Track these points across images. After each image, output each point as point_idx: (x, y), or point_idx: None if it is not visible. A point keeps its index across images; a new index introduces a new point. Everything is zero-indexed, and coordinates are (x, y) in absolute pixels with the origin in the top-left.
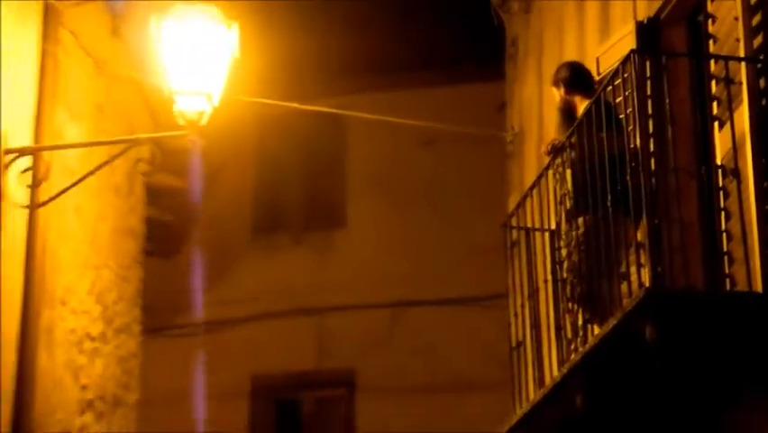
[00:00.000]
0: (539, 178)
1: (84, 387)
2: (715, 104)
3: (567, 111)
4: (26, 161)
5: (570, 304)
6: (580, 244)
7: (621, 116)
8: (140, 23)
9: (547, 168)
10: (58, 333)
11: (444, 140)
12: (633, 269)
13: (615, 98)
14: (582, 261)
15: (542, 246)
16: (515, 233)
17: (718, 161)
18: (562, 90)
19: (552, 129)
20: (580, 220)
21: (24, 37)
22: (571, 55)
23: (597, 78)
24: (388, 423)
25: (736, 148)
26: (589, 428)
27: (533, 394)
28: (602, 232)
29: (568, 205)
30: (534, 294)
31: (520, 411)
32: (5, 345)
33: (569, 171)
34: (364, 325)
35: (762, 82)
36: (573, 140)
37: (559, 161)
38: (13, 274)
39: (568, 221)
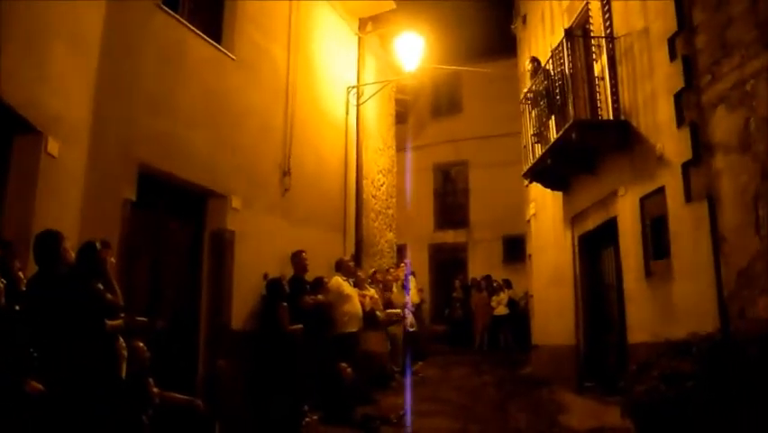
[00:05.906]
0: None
1: (379, 171)
2: (594, 54)
3: (534, 70)
4: (354, 90)
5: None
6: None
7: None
8: (390, 40)
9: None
10: (368, 158)
11: (498, 78)
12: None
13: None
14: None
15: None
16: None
17: (597, 74)
18: (532, 64)
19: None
20: (542, 102)
21: (351, 46)
22: (542, 43)
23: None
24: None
25: (602, 69)
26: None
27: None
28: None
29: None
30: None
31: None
32: (351, 163)
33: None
34: (474, 145)
35: (610, 46)
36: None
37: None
38: (350, 133)
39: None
